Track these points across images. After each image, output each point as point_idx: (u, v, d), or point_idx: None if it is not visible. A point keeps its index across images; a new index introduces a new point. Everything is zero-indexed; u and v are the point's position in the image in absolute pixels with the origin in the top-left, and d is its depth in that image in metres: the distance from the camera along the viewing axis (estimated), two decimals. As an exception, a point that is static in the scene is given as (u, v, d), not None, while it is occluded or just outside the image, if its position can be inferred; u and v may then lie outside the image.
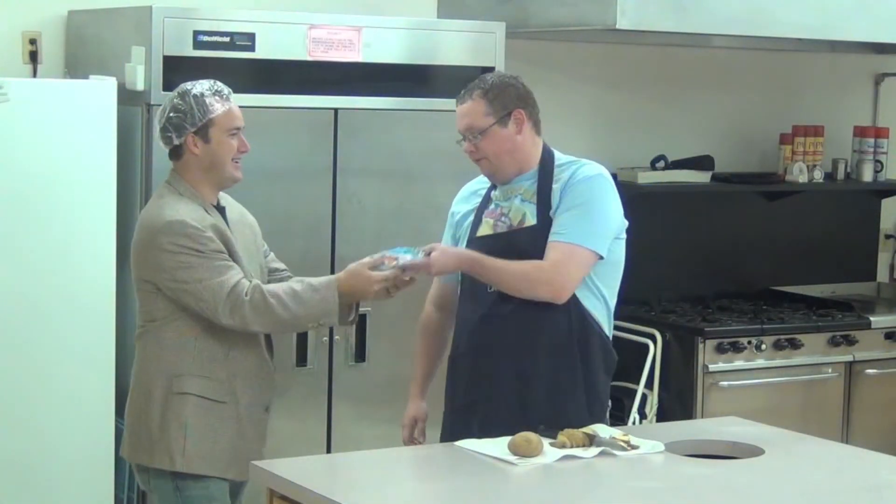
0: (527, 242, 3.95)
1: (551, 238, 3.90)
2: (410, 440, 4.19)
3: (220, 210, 4.05)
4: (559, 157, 4.06)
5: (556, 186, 3.97)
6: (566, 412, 3.91)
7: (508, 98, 3.97)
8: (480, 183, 4.14)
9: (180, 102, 3.94)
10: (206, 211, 3.95)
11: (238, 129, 3.99)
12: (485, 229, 4.04)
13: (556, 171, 4.01)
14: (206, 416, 3.93)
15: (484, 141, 3.95)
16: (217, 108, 3.94)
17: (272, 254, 4.26)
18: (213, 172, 3.98)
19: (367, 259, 3.99)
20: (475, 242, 4.04)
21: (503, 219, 4.02)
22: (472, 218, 4.09)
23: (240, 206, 4.17)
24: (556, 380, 3.96)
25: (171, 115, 3.94)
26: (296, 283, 3.96)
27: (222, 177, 3.99)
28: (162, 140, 3.98)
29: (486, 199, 4.08)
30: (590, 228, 3.90)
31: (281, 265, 4.26)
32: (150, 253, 3.91)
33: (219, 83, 4.00)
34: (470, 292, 4.06)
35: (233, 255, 3.93)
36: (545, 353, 3.95)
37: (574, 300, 3.93)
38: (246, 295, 3.85)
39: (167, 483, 3.96)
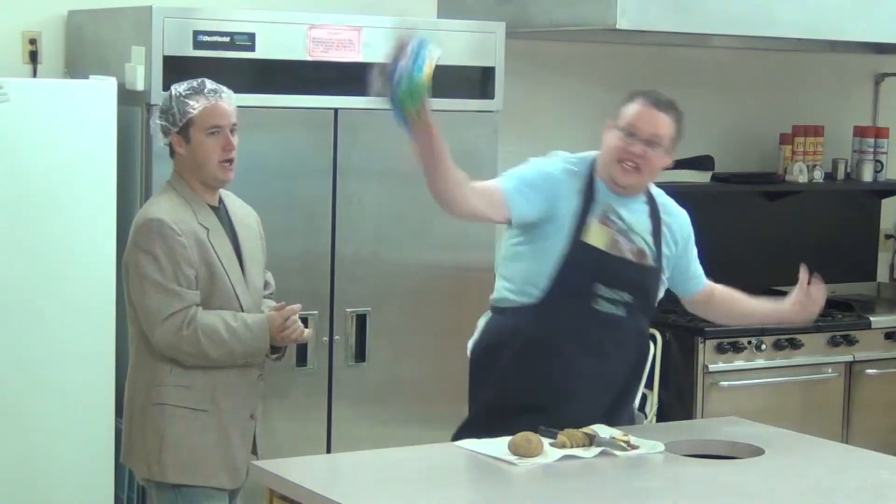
0: (648, 281, 4.02)
1: (704, 280, 4.22)
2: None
3: (222, 210, 4.06)
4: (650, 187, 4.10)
5: (664, 226, 4.05)
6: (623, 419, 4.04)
7: (680, 133, 3.98)
8: (574, 165, 4.01)
9: (166, 102, 3.98)
10: (197, 214, 3.95)
11: (218, 127, 3.96)
12: (598, 238, 3.94)
13: (658, 206, 4.06)
14: (185, 426, 3.93)
15: (655, 156, 3.91)
16: (194, 107, 3.94)
17: (269, 273, 4.27)
18: (199, 172, 3.98)
19: (273, 314, 4.01)
20: (585, 248, 3.91)
21: (623, 238, 3.96)
22: (573, 212, 3.93)
23: (244, 205, 4.18)
24: (627, 388, 4.10)
25: (160, 114, 3.99)
26: (231, 319, 3.93)
27: (207, 177, 3.99)
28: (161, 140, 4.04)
29: (591, 196, 3.96)
30: None
31: (270, 280, 4.26)
32: (129, 250, 3.96)
33: (207, 81, 4.00)
34: (571, 302, 3.94)
35: (210, 266, 3.92)
36: (626, 362, 4.04)
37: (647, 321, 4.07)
38: (184, 328, 3.86)
39: (167, 490, 3.98)
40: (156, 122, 4.00)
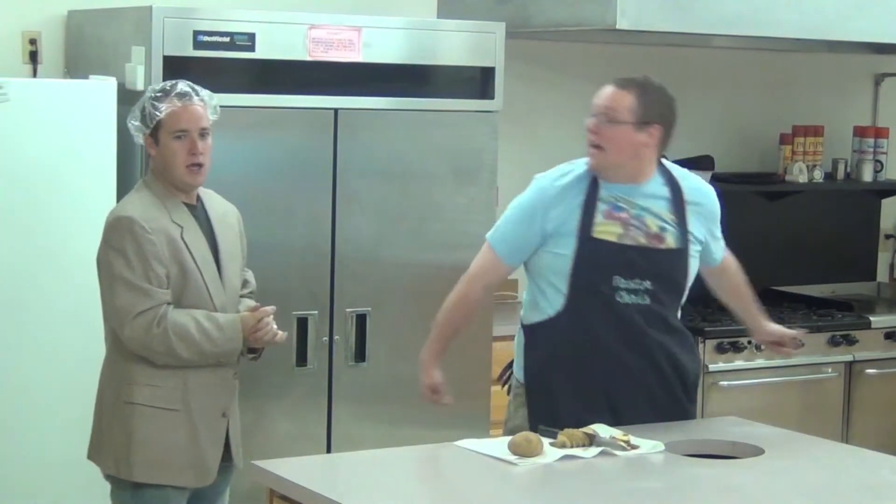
0: (669, 265, 4.00)
1: (723, 254, 4.26)
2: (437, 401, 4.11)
3: (200, 208, 4.02)
4: (669, 166, 4.07)
5: (690, 209, 4.02)
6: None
7: (657, 111, 3.94)
8: (565, 178, 4.01)
9: (141, 104, 3.97)
10: (170, 212, 3.92)
11: (184, 131, 3.93)
12: (606, 231, 3.95)
13: (682, 189, 4.03)
14: (155, 425, 3.91)
15: (610, 131, 3.91)
16: (162, 109, 3.92)
17: (250, 272, 4.24)
18: (168, 175, 3.96)
19: (247, 314, 3.98)
20: (596, 243, 3.93)
21: (635, 224, 3.96)
22: (578, 213, 3.95)
23: (224, 203, 4.14)
24: (677, 394, 4.09)
25: (132, 116, 3.98)
26: (203, 319, 3.90)
27: (175, 181, 3.96)
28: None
29: (594, 197, 3.96)
30: None
31: (250, 279, 4.23)
32: (100, 248, 3.94)
33: (181, 83, 3.98)
34: (595, 299, 3.97)
35: (182, 265, 3.89)
36: (674, 369, 4.06)
37: (683, 321, 4.13)
38: (154, 327, 3.84)
39: (126, 487, 3.97)
40: (132, 122, 3.99)
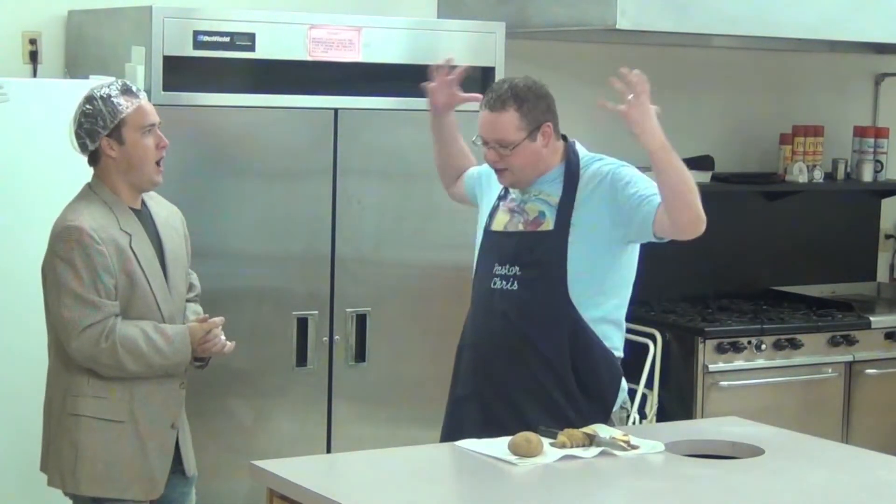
0: (541, 248, 3.94)
1: (651, 203, 3.82)
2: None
3: (145, 213, 3.96)
4: (581, 155, 4.05)
5: (580, 194, 3.95)
6: (563, 419, 3.88)
7: (539, 111, 3.98)
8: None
9: (89, 107, 3.87)
10: (119, 220, 3.85)
11: (152, 125, 3.88)
12: (498, 222, 4.05)
13: (581, 175, 3.98)
14: (101, 437, 3.85)
15: (513, 154, 3.94)
16: (126, 106, 3.85)
17: (194, 274, 4.20)
18: (132, 174, 3.88)
19: (195, 325, 3.93)
20: (489, 235, 4.07)
21: (517, 212, 4.02)
22: (490, 207, 4.09)
23: (168, 205, 4.09)
24: (547, 388, 3.92)
25: (82, 120, 3.88)
26: (152, 331, 3.84)
27: (141, 179, 3.89)
28: (78, 148, 3.92)
29: (506, 190, 4.08)
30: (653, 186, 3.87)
31: (194, 281, 4.18)
32: (46, 258, 3.86)
33: (127, 82, 3.93)
34: (479, 287, 4.08)
35: (131, 275, 3.83)
36: (538, 359, 3.93)
37: (574, 312, 3.92)
38: (102, 341, 3.77)
39: (83, 502, 3.93)
40: (81, 129, 3.88)
